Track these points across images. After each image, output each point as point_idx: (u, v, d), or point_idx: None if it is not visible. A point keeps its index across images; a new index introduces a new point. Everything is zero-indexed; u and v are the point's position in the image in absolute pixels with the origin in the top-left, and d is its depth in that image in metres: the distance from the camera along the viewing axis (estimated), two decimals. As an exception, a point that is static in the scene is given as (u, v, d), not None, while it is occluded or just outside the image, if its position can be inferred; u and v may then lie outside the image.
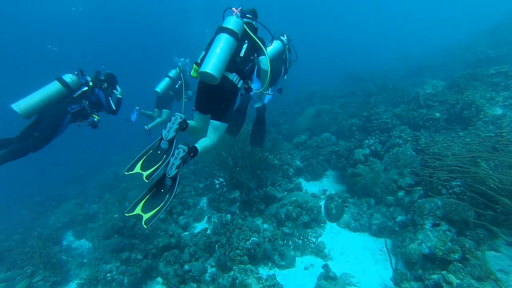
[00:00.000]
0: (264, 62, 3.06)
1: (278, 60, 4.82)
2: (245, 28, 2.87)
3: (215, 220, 5.01)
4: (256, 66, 3.23)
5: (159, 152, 2.45)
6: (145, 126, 6.72)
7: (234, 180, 5.60)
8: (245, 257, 3.84)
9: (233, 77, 2.78)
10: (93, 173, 12.99)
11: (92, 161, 14.92)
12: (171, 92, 6.62)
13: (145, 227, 2.15)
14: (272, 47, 4.64)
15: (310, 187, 5.99)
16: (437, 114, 5.72)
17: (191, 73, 2.90)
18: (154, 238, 4.83)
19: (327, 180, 6.25)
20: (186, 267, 3.98)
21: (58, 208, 8.20)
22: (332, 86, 13.15)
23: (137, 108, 6.73)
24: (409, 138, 5.21)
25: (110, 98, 4.26)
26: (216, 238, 4.55)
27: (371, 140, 5.81)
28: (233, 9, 3.04)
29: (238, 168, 5.29)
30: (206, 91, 2.83)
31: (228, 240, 3.99)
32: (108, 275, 4.34)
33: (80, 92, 3.82)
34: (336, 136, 7.40)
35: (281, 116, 10.31)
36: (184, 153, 2.32)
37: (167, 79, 6.53)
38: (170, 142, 2.46)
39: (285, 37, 5.02)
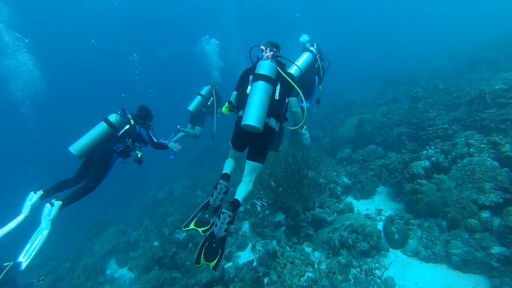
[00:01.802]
0: (293, 103, 3.08)
1: (311, 71, 4.72)
2: (278, 70, 2.94)
3: (260, 248, 4.58)
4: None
5: (207, 216, 2.90)
6: (171, 140, 6.86)
7: (278, 202, 5.16)
8: (301, 296, 3.33)
9: (272, 122, 2.86)
10: (133, 196, 13.36)
11: (132, 184, 15.44)
12: (203, 109, 6.80)
13: (215, 272, 2.71)
14: (302, 60, 4.65)
15: (362, 206, 5.33)
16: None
17: (223, 110, 3.05)
18: (196, 270, 4.50)
19: (380, 198, 5.55)
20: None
21: (102, 235, 8.37)
22: (371, 93, 12.35)
23: (178, 126, 6.91)
24: (483, 146, 4.39)
25: (150, 132, 4.44)
26: (263, 269, 4.10)
27: (430, 151, 5.05)
28: (261, 47, 3.13)
29: (280, 189, 4.87)
30: (244, 135, 2.92)
31: (279, 277, 3.52)
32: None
33: (123, 131, 4.10)
34: (383, 148, 6.69)
35: (319, 130, 9.79)
36: (230, 218, 2.57)
37: (199, 97, 6.74)
38: (216, 208, 2.88)
39: (315, 46, 4.92)
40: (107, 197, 14.17)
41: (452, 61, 12.12)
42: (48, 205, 3.19)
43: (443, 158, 4.81)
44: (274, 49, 3.19)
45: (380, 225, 4.42)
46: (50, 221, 3.14)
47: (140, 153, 4.33)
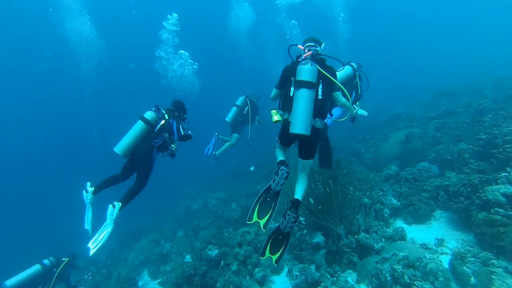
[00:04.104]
0: (339, 98, 3.06)
1: (348, 86, 4.67)
2: (319, 71, 2.90)
3: (298, 273, 4.13)
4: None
5: (268, 199, 3.09)
6: (214, 152, 7.23)
7: (317, 223, 4.69)
8: None
9: (317, 122, 2.92)
10: (168, 205, 13.59)
11: (168, 192, 15.80)
12: (239, 118, 7.13)
13: (276, 265, 3.01)
14: (342, 72, 4.53)
15: (416, 233, 4.61)
16: None
17: (272, 119, 3.13)
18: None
19: (438, 224, 4.77)
20: None
21: (137, 244, 8.48)
22: (418, 106, 11.33)
23: (216, 133, 7.31)
24: None
25: (180, 125, 4.53)
26: (300, 300, 3.64)
27: (512, 173, 4.20)
28: (299, 46, 3.15)
29: (320, 207, 4.41)
30: (291, 136, 2.98)
31: (321, 314, 3.05)
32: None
33: (159, 126, 4.26)
34: (438, 166, 5.88)
35: (361, 144, 9.13)
36: (294, 218, 2.87)
37: (234, 108, 7.10)
38: (277, 193, 3.06)
39: (356, 64, 4.90)
40: (145, 204, 14.71)
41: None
42: (111, 206, 3.51)
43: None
44: (313, 44, 3.21)
45: (445, 261, 3.70)
46: (112, 221, 3.47)
47: (174, 146, 4.43)
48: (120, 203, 3.61)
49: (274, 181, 2.98)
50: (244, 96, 7.20)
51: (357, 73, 4.87)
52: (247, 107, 7.06)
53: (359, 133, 10.11)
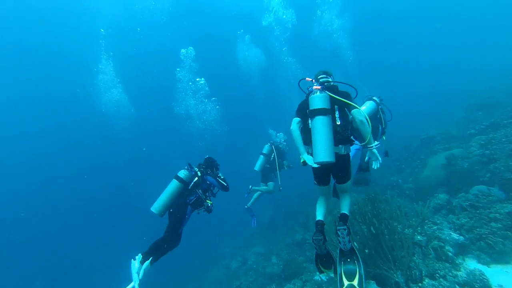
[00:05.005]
0: (357, 113, 2.96)
1: (374, 120, 4.70)
2: (330, 97, 2.97)
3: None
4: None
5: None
6: (246, 206, 7.26)
7: (367, 269, 4.17)
8: None
9: (341, 149, 2.94)
10: (208, 266, 13.08)
11: (206, 253, 15.32)
12: (267, 165, 7.26)
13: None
14: (366, 107, 4.70)
15: (501, 277, 3.70)
16: None
17: (301, 162, 3.12)
18: None
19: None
20: None
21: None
22: (451, 124, 10.64)
23: (250, 186, 7.39)
24: None
25: (218, 178, 4.70)
26: None
27: None
28: (307, 79, 3.22)
29: (367, 251, 3.96)
30: (321, 169, 3.04)
31: None
32: None
33: (193, 183, 4.43)
34: (499, 187, 5.21)
35: (397, 175, 8.54)
36: (346, 230, 2.87)
37: (261, 156, 7.31)
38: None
39: (378, 98, 5.02)
40: (186, 269, 14.27)
41: None
42: (132, 260, 3.53)
43: None
44: (324, 76, 3.32)
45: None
46: (136, 274, 3.43)
47: (210, 202, 4.52)
48: (141, 255, 3.61)
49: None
50: (269, 144, 7.43)
51: (380, 106, 4.94)
52: (273, 154, 7.23)
53: (392, 164, 9.51)
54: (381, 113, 4.95)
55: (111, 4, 21.49)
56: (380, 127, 4.92)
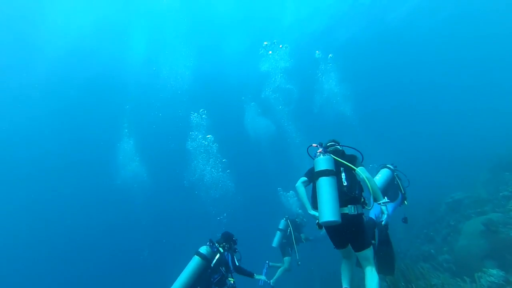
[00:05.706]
0: (359, 172, 3.00)
1: (391, 187, 4.84)
2: (334, 159, 3.06)
3: None
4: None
5: None
6: (269, 281, 6.57)
7: None
8: None
9: (350, 209, 2.89)
10: None
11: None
12: (284, 240, 7.18)
13: None
14: (380, 176, 4.78)
15: None
16: None
17: (316, 225, 3.08)
18: None
19: None
20: None
21: None
22: (477, 187, 9.62)
23: (267, 262, 7.22)
24: None
25: (234, 256, 4.52)
26: None
27: None
28: (313, 145, 3.37)
29: None
30: (334, 232, 3.07)
31: None
32: None
33: (215, 260, 4.22)
34: None
35: (427, 244, 7.29)
36: None
37: (278, 232, 7.27)
38: None
39: (392, 165, 5.11)
40: None
41: None
42: None
43: None
44: (332, 143, 3.47)
45: None
46: None
47: (232, 279, 4.31)
48: None
49: None
50: (284, 219, 7.42)
51: (395, 173, 5.02)
52: (289, 228, 7.19)
53: (420, 231, 8.31)
54: (397, 179, 5.01)
55: (136, 83, 23.22)
56: (400, 194, 4.93)
